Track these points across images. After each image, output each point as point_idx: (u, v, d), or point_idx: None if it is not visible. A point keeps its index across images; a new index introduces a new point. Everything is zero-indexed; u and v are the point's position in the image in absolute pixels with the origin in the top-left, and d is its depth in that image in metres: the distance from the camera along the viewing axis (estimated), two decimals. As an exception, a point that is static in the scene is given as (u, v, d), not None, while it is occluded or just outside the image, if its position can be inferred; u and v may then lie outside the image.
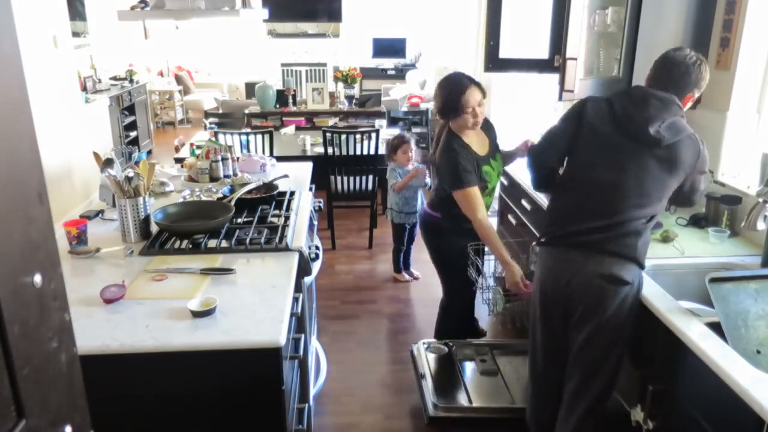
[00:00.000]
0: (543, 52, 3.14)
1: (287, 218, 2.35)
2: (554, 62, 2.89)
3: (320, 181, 3.88)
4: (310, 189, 2.96)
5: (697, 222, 2.29)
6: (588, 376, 1.86)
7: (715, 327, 1.56)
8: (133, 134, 7.10)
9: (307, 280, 2.20)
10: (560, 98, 2.54)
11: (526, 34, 3.68)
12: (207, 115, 7.02)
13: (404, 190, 3.74)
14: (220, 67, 9.84)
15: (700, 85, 1.86)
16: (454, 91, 2.38)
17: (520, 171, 3.17)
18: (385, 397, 2.77)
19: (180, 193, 2.69)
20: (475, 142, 2.49)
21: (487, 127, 2.57)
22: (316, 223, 2.81)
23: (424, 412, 2.41)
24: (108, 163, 2.27)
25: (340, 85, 6.09)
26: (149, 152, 7.42)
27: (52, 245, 0.65)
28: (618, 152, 1.81)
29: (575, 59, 2.44)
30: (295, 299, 1.86)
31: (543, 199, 2.70)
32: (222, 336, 1.53)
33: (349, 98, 6.03)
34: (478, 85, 2.40)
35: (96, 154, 2.35)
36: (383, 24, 9.07)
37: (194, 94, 9.65)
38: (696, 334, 1.53)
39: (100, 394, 1.03)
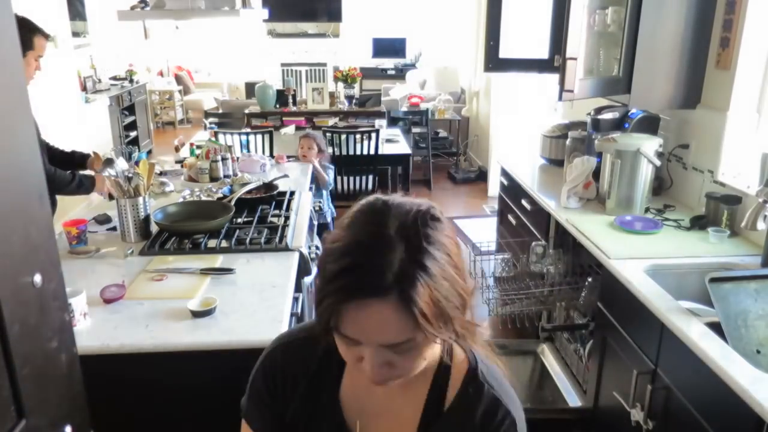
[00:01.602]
0: (543, 52, 3.14)
1: (287, 218, 2.35)
2: (554, 62, 2.89)
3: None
4: (310, 189, 2.96)
5: (697, 222, 2.29)
6: None
7: (715, 327, 1.55)
8: (133, 134, 7.10)
9: (307, 280, 2.20)
10: (560, 98, 2.54)
11: (526, 34, 3.68)
12: (207, 115, 7.02)
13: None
14: (220, 67, 9.83)
15: None
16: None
17: (521, 170, 3.18)
18: (385, 397, 2.76)
19: (180, 193, 2.69)
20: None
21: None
22: (315, 223, 2.81)
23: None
24: (108, 163, 2.27)
25: (340, 85, 6.08)
26: (149, 152, 7.41)
27: (52, 245, 0.65)
28: None
29: (575, 59, 2.44)
30: (295, 299, 1.86)
31: (544, 199, 2.70)
32: (222, 336, 1.53)
33: (349, 98, 6.03)
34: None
35: (96, 154, 2.35)
36: (383, 24, 9.06)
37: (194, 94, 9.64)
38: (696, 334, 1.53)
39: (100, 394, 1.03)
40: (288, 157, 3.49)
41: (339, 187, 4.42)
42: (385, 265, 0.73)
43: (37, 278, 0.61)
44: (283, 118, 5.68)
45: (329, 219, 3.58)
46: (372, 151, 4.34)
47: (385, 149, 4.57)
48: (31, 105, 0.62)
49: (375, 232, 0.76)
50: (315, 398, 0.94)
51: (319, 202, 3.13)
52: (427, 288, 0.73)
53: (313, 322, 0.94)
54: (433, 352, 0.85)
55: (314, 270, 2.23)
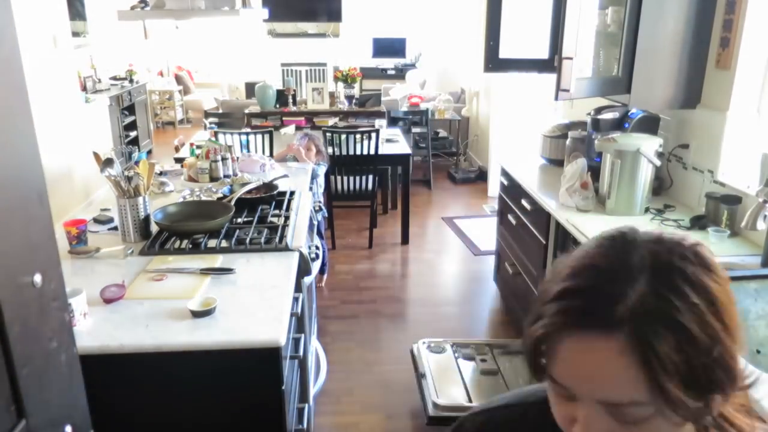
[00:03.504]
0: (543, 52, 3.15)
1: (287, 218, 2.35)
2: (554, 62, 2.88)
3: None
4: (310, 188, 2.96)
5: (697, 222, 2.29)
6: None
7: (715, 327, 1.55)
8: (133, 134, 7.10)
9: (307, 280, 2.20)
10: (557, 98, 2.54)
11: (526, 34, 3.68)
12: (207, 115, 7.02)
13: None
14: (220, 67, 9.83)
15: None
16: None
17: (521, 170, 3.17)
18: (385, 397, 2.76)
19: (180, 193, 2.69)
20: None
21: None
22: (316, 222, 2.81)
23: (424, 412, 2.41)
24: (108, 163, 2.27)
25: (340, 85, 6.07)
26: (149, 152, 7.41)
27: (52, 245, 0.65)
28: None
29: (571, 59, 2.44)
30: (295, 299, 1.86)
31: (543, 199, 2.70)
32: (222, 336, 1.53)
33: (349, 98, 6.03)
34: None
35: (96, 154, 2.35)
36: (383, 24, 9.06)
37: (194, 94, 9.64)
38: (696, 334, 1.52)
39: (100, 394, 1.03)
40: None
41: (339, 187, 4.42)
42: (620, 295, 0.57)
43: (37, 278, 0.61)
44: (283, 118, 5.68)
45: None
46: (372, 151, 4.34)
47: (385, 149, 4.57)
48: (30, 105, 0.62)
49: (616, 258, 0.61)
50: None
51: (319, 202, 3.13)
52: (673, 334, 0.54)
53: (512, 394, 0.81)
54: None
55: (314, 270, 2.23)
